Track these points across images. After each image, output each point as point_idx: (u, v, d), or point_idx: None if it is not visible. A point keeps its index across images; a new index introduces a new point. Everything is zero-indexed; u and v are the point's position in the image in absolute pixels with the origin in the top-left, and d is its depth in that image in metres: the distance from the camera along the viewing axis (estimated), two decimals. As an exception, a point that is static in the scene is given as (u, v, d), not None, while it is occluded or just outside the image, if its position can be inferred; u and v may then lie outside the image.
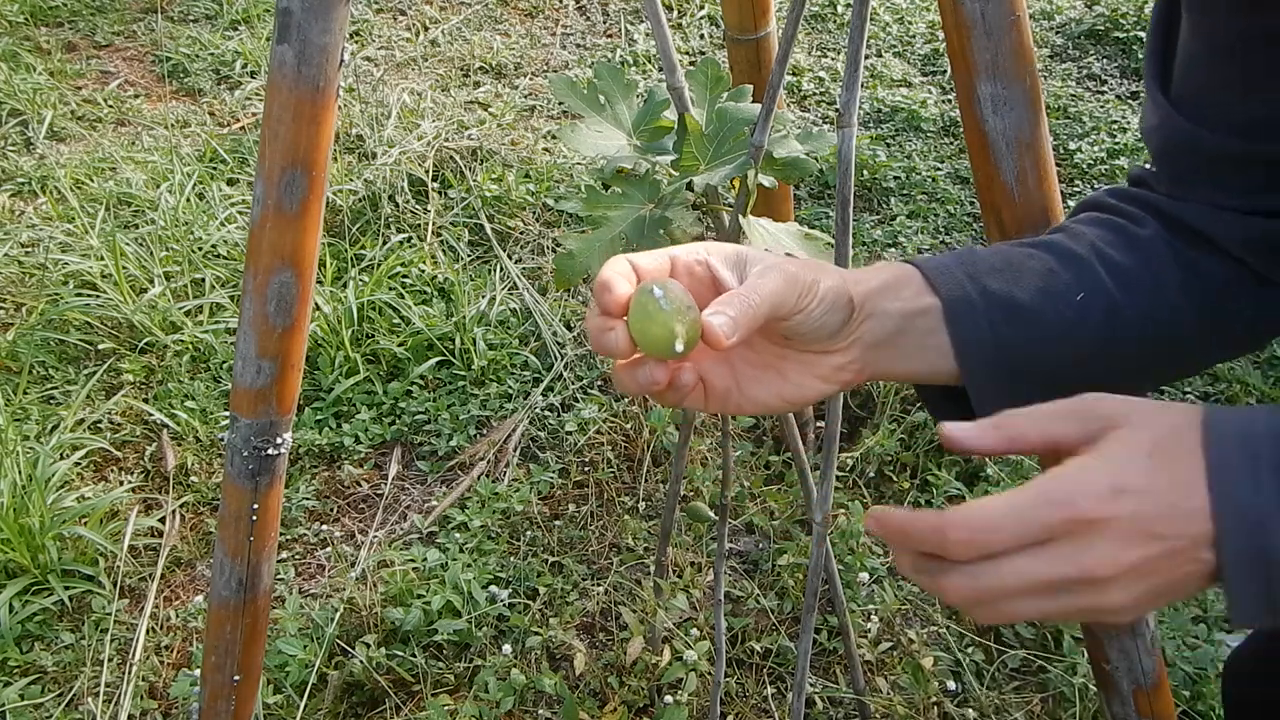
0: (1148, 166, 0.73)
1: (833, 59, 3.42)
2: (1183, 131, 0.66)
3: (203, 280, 2.48)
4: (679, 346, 0.55)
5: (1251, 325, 0.70)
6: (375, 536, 1.95)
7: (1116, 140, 2.85)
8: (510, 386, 2.23)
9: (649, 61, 3.46)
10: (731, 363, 0.64)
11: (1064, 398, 0.71)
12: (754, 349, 0.64)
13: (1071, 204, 2.70)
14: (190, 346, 2.33)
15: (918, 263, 0.66)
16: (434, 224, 2.64)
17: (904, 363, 0.65)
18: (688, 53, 3.44)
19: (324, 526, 1.98)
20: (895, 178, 2.80)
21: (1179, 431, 0.50)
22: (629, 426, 2.08)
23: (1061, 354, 0.65)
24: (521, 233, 2.67)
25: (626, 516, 1.91)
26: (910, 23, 3.59)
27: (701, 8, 3.70)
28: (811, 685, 1.62)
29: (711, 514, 1.40)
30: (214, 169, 2.94)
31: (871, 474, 1.96)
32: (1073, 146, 2.86)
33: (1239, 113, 0.63)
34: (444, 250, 2.60)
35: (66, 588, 1.80)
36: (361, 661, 1.64)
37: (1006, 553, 0.49)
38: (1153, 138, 0.70)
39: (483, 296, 2.42)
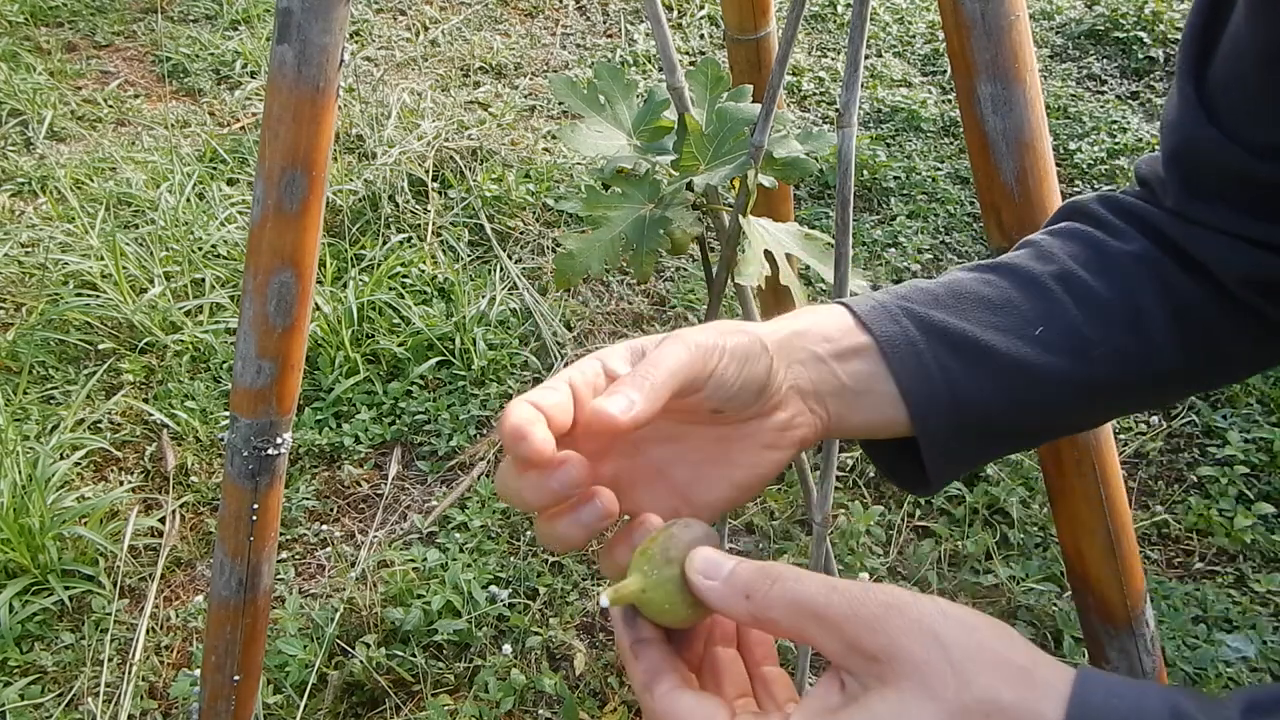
0: (1156, 158, 0.64)
1: (833, 59, 3.42)
2: (1209, 140, 0.57)
3: (203, 280, 2.48)
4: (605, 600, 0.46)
5: (1241, 361, 0.62)
6: (375, 536, 1.95)
7: (1116, 140, 2.85)
8: (510, 386, 2.23)
9: (649, 61, 3.46)
10: (667, 475, 0.55)
11: (1022, 445, 0.61)
12: (685, 443, 0.55)
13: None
14: (190, 346, 2.33)
15: (844, 301, 0.58)
16: (434, 224, 2.64)
17: (855, 413, 0.56)
18: (688, 53, 3.44)
19: (324, 526, 1.98)
20: (895, 178, 2.80)
21: None
22: (629, 426, 2.07)
23: (1022, 397, 0.56)
24: (521, 233, 2.67)
25: (627, 516, 1.91)
26: (910, 23, 3.59)
27: (701, 8, 3.70)
28: (811, 685, 1.62)
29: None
30: (214, 169, 2.94)
31: (871, 474, 1.96)
32: (1073, 146, 2.86)
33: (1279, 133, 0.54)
34: (444, 250, 2.60)
35: (66, 588, 1.80)
36: (361, 661, 1.64)
37: None
38: (1170, 136, 0.60)
39: (483, 296, 2.42)
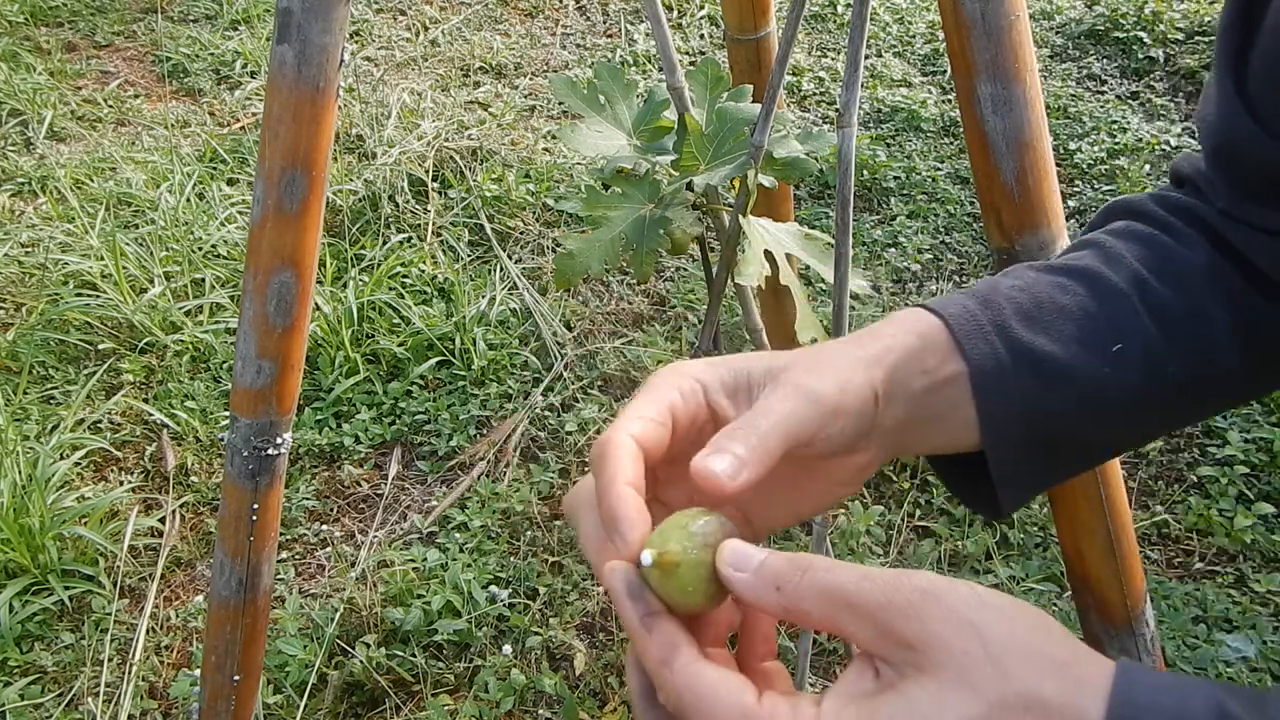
0: (1197, 156, 0.61)
1: (833, 59, 3.42)
2: (1253, 137, 0.54)
3: (203, 280, 2.48)
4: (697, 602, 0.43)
5: None
6: (375, 536, 1.95)
7: (1116, 140, 2.85)
8: (510, 386, 2.23)
9: (649, 61, 3.46)
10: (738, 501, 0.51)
11: (1085, 464, 0.57)
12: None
13: (1072, 204, 2.72)
14: (190, 346, 2.33)
15: (945, 315, 0.54)
16: (434, 224, 2.64)
17: (924, 440, 0.55)
18: (688, 53, 3.44)
19: (324, 526, 1.98)
20: (895, 178, 2.80)
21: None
22: (629, 426, 2.07)
23: (1092, 415, 0.55)
24: (521, 233, 2.67)
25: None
26: (910, 23, 3.59)
27: (701, 8, 3.70)
28: (811, 685, 1.62)
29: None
30: (214, 169, 2.94)
31: (872, 473, 1.96)
32: (1073, 146, 2.86)
33: None
34: (444, 250, 2.60)
35: (66, 588, 1.80)
36: (361, 661, 1.64)
37: None
38: (1210, 135, 0.58)
39: (483, 296, 2.42)
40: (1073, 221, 2.62)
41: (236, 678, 1.11)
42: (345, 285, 2.40)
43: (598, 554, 0.45)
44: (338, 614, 1.73)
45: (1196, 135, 0.59)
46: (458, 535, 1.91)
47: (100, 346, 2.33)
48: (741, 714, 0.38)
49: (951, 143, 2.97)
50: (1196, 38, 3.23)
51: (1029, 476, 0.56)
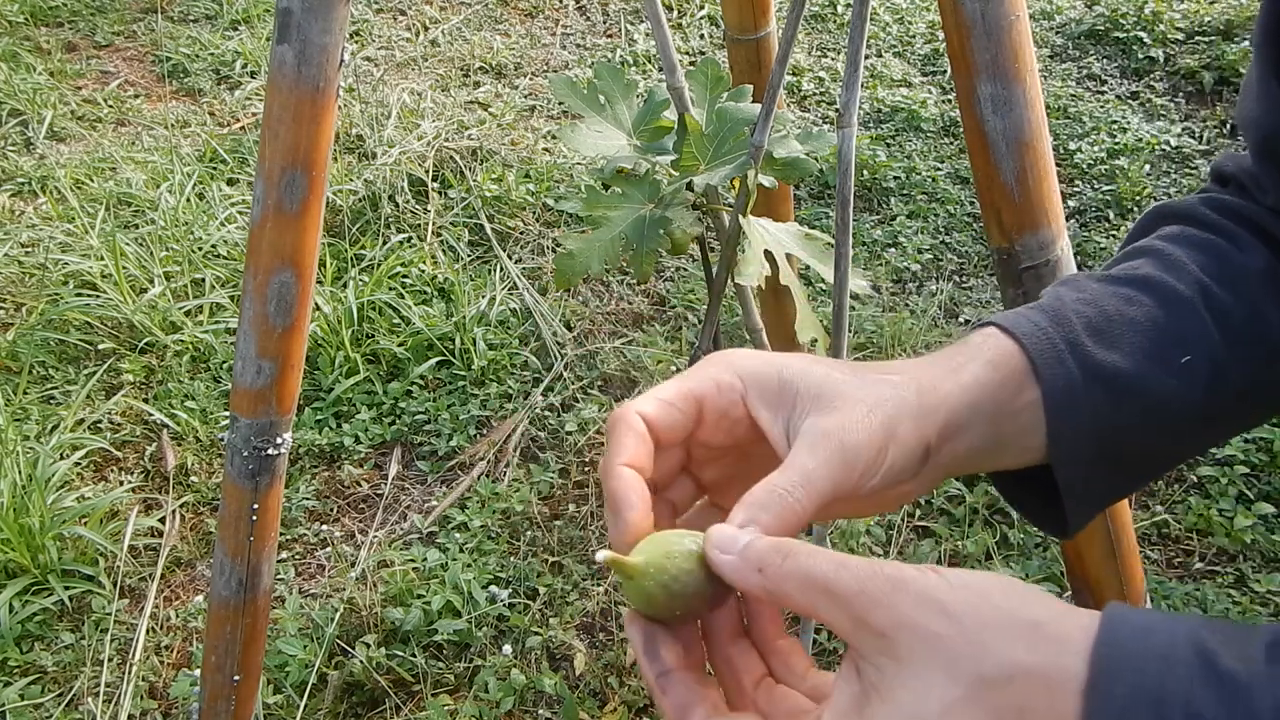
0: (1241, 154, 0.60)
1: (833, 59, 3.42)
2: None
3: (203, 280, 2.48)
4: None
5: None
6: (375, 536, 1.95)
7: (1116, 140, 2.85)
8: (510, 386, 2.23)
9: (649, 61, 3.46)
10: None
11: (1150, 476, 0.57)
12: None
13: (1072, 204, 2.72)
14: (190, 346, 2.33)
15: (1019, 336, 0.52)
16: (434, 224, 2.64)
17: (987, 465, 0.53)
18: (688, 53, 3.44)
19: (324, 526, 1.98)
20: (895, 178, 2.80)
21: (1028, 692, 0.35)
22: (629, 426, 2.07)
23: (1156, 428, 0.54)
24: (521, 233, 2.67)
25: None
26: (910, 23, 3.59)
27: (701, 8, 3.70)
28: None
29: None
30: (214, 169, 2.94)
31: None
32: (1073, 146, 2.86)
33: None
34: (444, 250, 2.60)
35: (66, 588, 1.80)
36: (361, 661, 1.64)
37: None
38: (1256, 129, 0.57)
39: (483, 296, 2.42)
40: (1073, 221, 2.62)
41: (236, 678, 1.11)
42: (345, 285, 2.40)
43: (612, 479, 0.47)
44: (338, 614, 1.73)
45: (1239, 133, 0.59)
46: (458, 535, 1.91)
47: (100, 346, 2.33)
48: None
49: (951, 143, 2.97)
50: (1196, 38, 3.23)
51: (1097, 493, 0.55)
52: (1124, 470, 0.55)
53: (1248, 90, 0.58)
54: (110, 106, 3.33)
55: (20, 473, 1.89)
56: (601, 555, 0.44)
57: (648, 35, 3.58)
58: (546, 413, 2.18)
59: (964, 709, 0.36)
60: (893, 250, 2.56)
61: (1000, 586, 0.38)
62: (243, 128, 3.21)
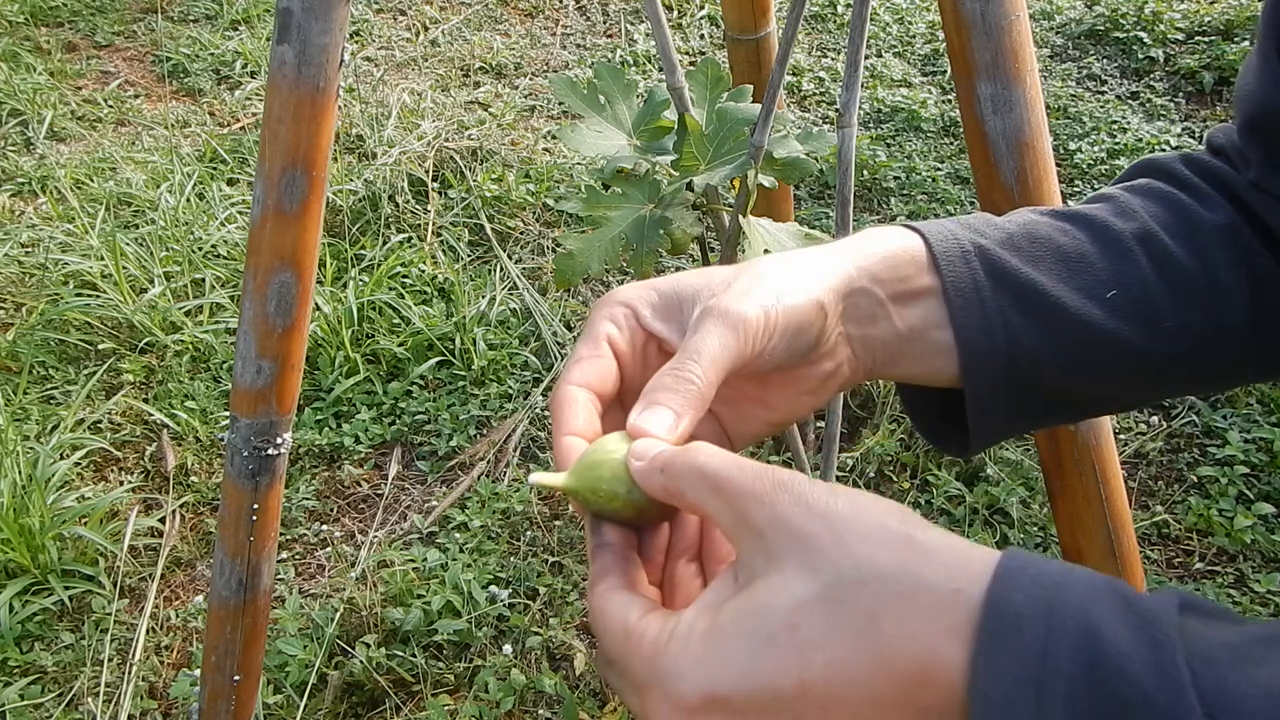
0: (1233, 127, 0.60)
1: (833, 59, 3.42)
2: None
3: (203, 280, 2.48)
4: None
5: None
6: (375, 536, 1.95)
7: (1116, 140, 2.85)
8: (510, 386, 2.23)
9: (649, 61, 3.46)
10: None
11: (1070, 414, 0.55)
12: (724, 384, 0.50)
13: (1072, 204, 2.71)
14: (190, 346, 2.33)
15: (921, 229, 0.53)
16: (434, 224, 2.64)
17: (902, 359, 0.53)
18: (688, 53, 3.45)
19: (324, 526, 1.98)
20: (895, 178, 2.80)
21: (883, 598, 0.34)
22: (629, 426, 2.08)
23: (1082, 361, 0.53)
24: (521, 233, 2.67)
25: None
26: (910, 23, 3.59)
27: (701, 8, 3.70)
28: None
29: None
30: (214, 169, 2.94)
31: (871, 474, 1.96)
32: (1073, 146, 2.86)
33: None
34: (444, 250, 2.60)
35: (66, 588, 1.80)
36: (361, 661, 1.64)
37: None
38: (1248, 104, 0.57)
39: (483, 296, 2.42)
40: (1073, 221, 2.62)
41: (236, 678, 1.11)
42: (345, 285, 2.40)
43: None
44: (338, 614, 1.73)
45: (1234, 107, 0.58)
46: (458, 535, 1.91)
47: (100, 346, 2.33)
48: (623, 629, 0.39)
49: (951, 143, 2.97)
50: (1196, 38, 3.23)
51: (1006, 414, 0.54)
52: (1043, 398, 0.54)
53: (1248, 65, 0.58)
54: (110, 106, 3.33)
55: (20, 473, 1.89)
56: (533, 478, 0.45)
57: (648, 35, 3.58)
58: (546, 413, 2.18)
59: (813, 608, 0.35)
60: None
61: (892, 508, 0.38)
62: (243, 128, 3.21)
